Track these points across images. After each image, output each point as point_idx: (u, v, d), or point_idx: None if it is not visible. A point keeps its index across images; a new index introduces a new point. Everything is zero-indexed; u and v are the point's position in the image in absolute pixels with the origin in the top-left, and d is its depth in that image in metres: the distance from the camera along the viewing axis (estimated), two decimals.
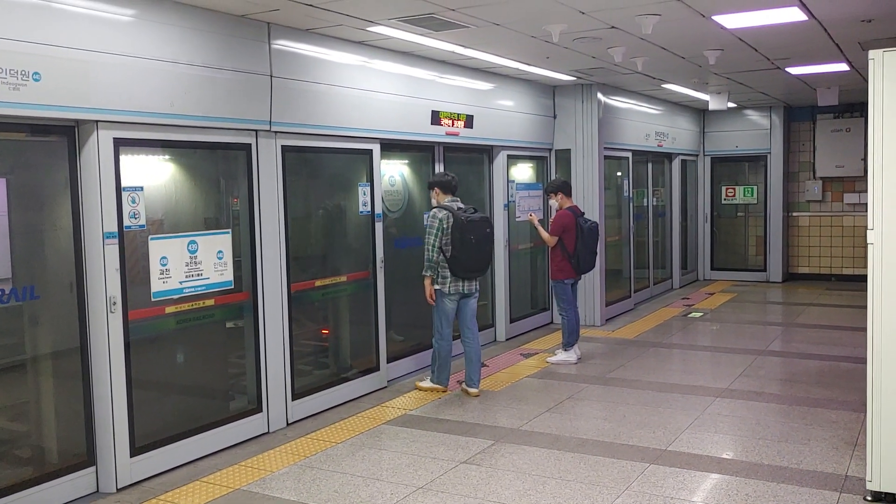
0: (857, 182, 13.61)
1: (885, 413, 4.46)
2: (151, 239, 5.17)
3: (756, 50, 7.98)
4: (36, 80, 4.34)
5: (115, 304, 4.89)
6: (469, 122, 8.41)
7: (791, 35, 7.20)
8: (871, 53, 4.41)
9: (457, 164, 8.76)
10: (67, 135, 4.76)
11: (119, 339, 4.93)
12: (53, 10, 4.48)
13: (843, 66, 9.20)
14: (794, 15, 6.33)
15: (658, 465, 5.22)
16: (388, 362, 7.39)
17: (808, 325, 10.20)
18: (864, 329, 4.54)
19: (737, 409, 6.48)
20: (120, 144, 4.92)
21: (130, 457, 5.03)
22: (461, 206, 6.97)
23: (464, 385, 7.16)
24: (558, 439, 5.79)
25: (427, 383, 7.18)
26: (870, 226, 4.47)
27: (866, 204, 4.49)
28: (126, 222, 4.97)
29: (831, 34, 7.22)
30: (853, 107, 13.46)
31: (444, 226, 6.80)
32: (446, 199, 6.99)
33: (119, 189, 4.92)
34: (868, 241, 4.48)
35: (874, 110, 4.41)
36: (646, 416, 6.33)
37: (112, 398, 4.92)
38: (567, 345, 8.22)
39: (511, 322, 9.55)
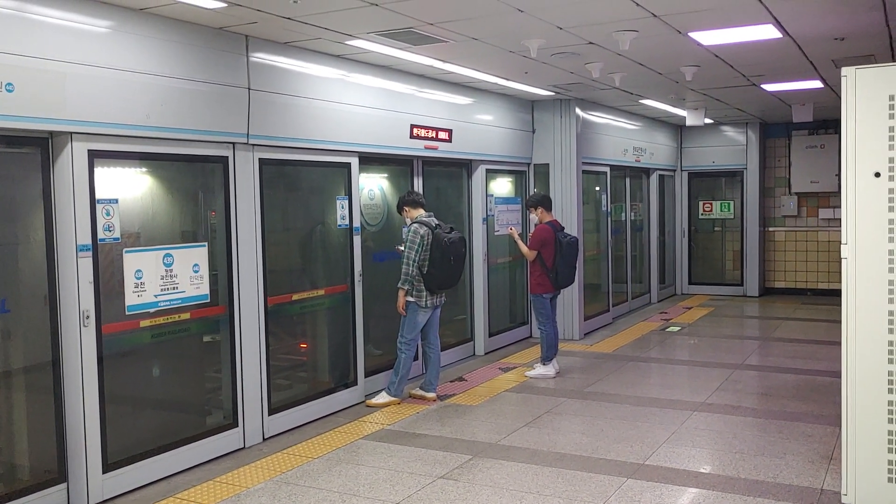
0: (832, 197, 13.77)
1: (859, 427, 4.50)
2: (126, 252, 5.12)
3: (732, 66, 8.07)
4: (9, 90, 4.30)
5: (88, 317, 4.82)
6: (448, 136, 8.42)
7: (766, 52, 7.28)
8: (844, 70, 4.47)
9: (436, 178, 8.78)
10: (41, 146, 4.71)
11: (92, 354, 4.86)
12: (28, 21, 4.44)
13: (818, 83, 9.32)
14: (769, 32, 6.41)
15: (636, 480, 5.22)
16: (365, 376, 7.35)
17: (785, 339, 10.27)
18: (840, 343, 4.57)
19: (714, 423, 6.50)
20: (95, 156, 4.87)
21: (103, 473, 4.95)
22: (437, 222, 7.02)
23: (420, 390, 7.25)
24: (536, 454, 5.78)
25: (383, 398, 7.11)
26: (843, 241, 4.52)
27: (840, 219, 4.54)
28: (100, 235, 4.91)
29: (805, 51, 7.32)
30: (827, 123, 13.64)
31: (425, 242, 6.85)
32: (420, 215, 7.03)
33: (93, 201, 4.86)
34: (842, 256, 4.53)
35: (847, 126, 4.47)
36: (623, 430, 6.33)
37: (84, 413, 4.84)
38: (545, 359, 8.22)
39: (490, 336, 9.54)
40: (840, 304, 4.57)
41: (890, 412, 4.42)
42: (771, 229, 14.45)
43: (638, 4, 5.42)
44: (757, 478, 5.22)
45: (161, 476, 5.33)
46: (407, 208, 7.16)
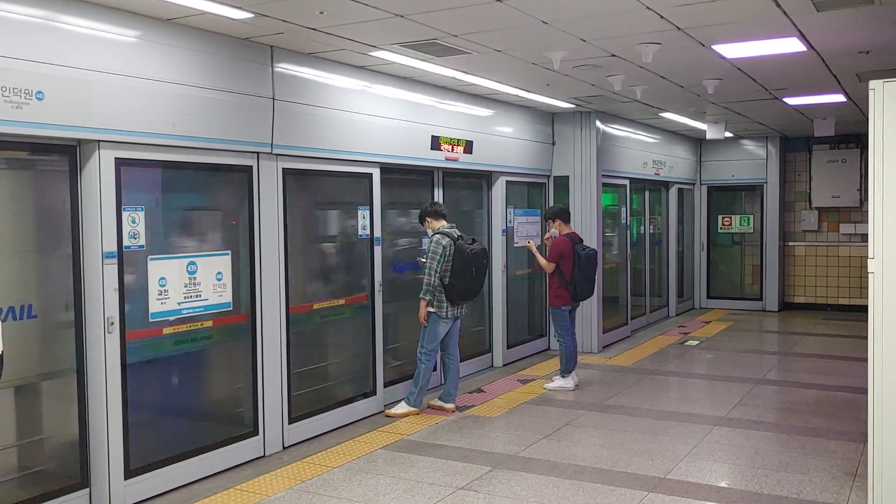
0: (853, 213, 13.62)
1: (886, 444, 4.44)
2: (151, 259, 5.16)
3: (754, 80, 8.04)
4: (39, 99, 4.35)
5: (112, 324, 4.86)
6: (468, 147, 8.44)
7: (789, 66, 7.26)
8: (872, 83, 4.45)
9: (456, 189, 8.79)
10: (69, 154, 4.76)
11: (116, 360, 4.90)
12: (58, 30, 4.50)
13: (840, 98, 9.27)
14: (793, 46, 6.38)
15: (657, 494, 5.18)
16: (384, 387, 7.35)
17: (806, 354, 10.18)
18: (862, 359, 4.54)
19: (735, 437, 6.45)
20: (121, 164, 4.92)
21: (125, 479, 4.97)
22: (459, 233, 7.03)
23: (439, 401, 7.25)
24: (556, 466, 5.75)
25: (402, 408, 7.10)
26: (870, 255, 4.48)
27: (862, 234, 4.51)
28: (126, 242, 4.95)
29: (829, 65, 7.29)
30: (848, 137, 13.54)
31: (447, 253, 6.86)
32: (441, 226, 7.05)
33: (119, 209, 4.91)
34: (869, 271, 4.49)
35: (874, 139, 4.44)
36: (644, 443, 6.29)
37: (107, 420, 4.87)
38: (564, 371, 8.19)
39: (508, 348, 9.52)
40: (861, 320, 4.52)
41: None
42: (791, 244, 14.34)
43: (662, 17, 5.42)
44: (780, 493, 5.17)
45: (182, 483, 5.35)
46: (429, 219, 7.18)
